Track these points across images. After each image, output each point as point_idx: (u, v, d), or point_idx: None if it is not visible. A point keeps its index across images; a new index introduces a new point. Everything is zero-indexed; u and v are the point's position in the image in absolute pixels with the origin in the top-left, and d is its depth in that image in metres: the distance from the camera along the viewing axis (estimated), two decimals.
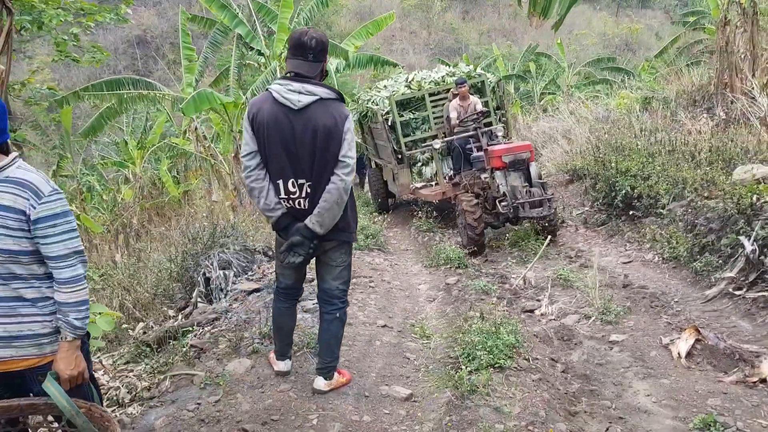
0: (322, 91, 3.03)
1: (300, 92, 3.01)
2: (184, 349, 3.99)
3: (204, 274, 5.70)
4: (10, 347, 2.05)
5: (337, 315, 3.39)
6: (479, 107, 8.86)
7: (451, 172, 9.26)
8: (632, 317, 4.71)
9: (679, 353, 3.90)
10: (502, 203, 7.03)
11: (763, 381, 3.45)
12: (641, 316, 4.73)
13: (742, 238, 5.00)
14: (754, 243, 4.85)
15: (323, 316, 3.43)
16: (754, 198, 5.23)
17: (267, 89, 3.14)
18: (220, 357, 3.88)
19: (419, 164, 10.07)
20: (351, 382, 3.60)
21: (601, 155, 8.49)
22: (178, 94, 12.31)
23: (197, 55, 13.13)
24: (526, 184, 7.15)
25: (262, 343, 4.06)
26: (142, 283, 6.09)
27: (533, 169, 7.24)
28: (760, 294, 4.51)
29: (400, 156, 9.76)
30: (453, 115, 8.93)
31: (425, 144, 9.12)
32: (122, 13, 9.58)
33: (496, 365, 3.62)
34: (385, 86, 10.98)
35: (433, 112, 9.96)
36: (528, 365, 3.77)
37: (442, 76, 10.39)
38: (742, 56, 10.35)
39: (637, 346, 4.18)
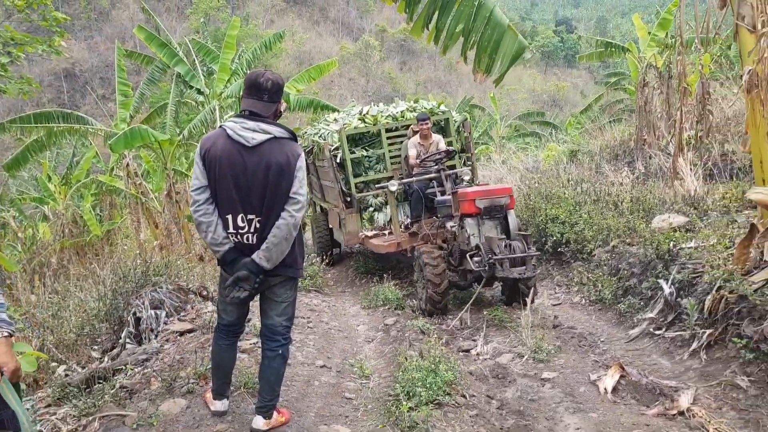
0: (276, 130, 3.12)
1: (254, 130, 3.09)
2: (114, 390, 3.85)
3: (134, 313, 5.52)
4: None
5: (280, 352, 3.38)
6: (442, 147, 7.89)
7: (408, 219, 8.02)
8: (562, 356, 4.91)
9: (605, 389, 4.10)
10: (475, 259, 5.83)
11: (681, 413, 3.69)
12: (570, 355, 4.94)
13: (661, 281, 5.36)
14: (672, 286, 5.21)
15: (265, 353, 3.41)
16: (671, 245, 5.64)
17: (221, 126, 3.20)
18: (152, 397, 3.76)
19: (371, 209, 8.66)
20: (290, 422, 3.56)
21: (531, 203, 8.90)
22: (111, 129, 12.04)
23: (132, 91, 12.96)
24: (503, 236, 6.03)
25: (198, 383, 3.96)
26: (65, 323, 5.82)
27: (512, 218, 6.08)
28: (677, 333, 4.83)
29: (348, 199, 8.56)
30: (412, 153, 7.94)
31: (379, 186, 7.96)
32: (56, 45, 9.40)
33: (435, 401, 3.69)
34: (335, 119, 9.74)
35: (390, 151, 8.71)
36: (465, 402, 3.86)
37: (401, 111, 9.19)
38: (659, 115, 11.25)
39: (567, 383, 4.36)
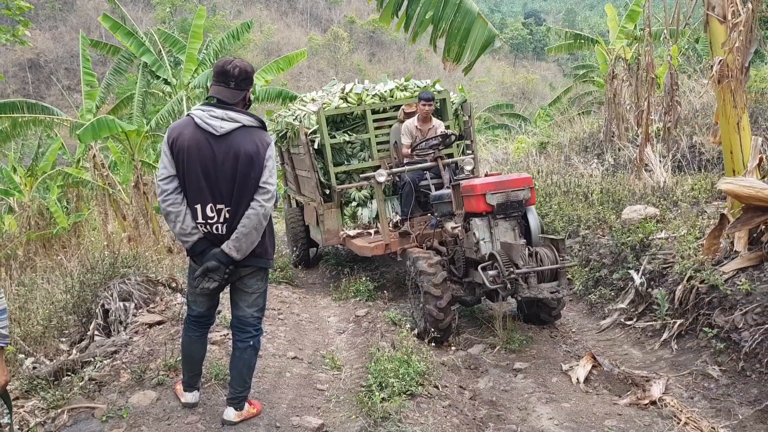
0: (244, 119, 3.06)
1: (222, 119, 3.02)
2: (82, 383, 3.75)
3: (102, 305, 5.40)
4: None
5: (251, 343, 3.33)
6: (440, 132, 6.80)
7: (398, 216, 6.91)
8: (534, 346, 4.94)
9: (578, 379, 4.14)
10: (489, 272, 4.50)
11: (653, 403, 3.74)
12: (542, 345, 4.97)
13: (631, 272, 5.42)
14: (642, 276, 5.27)
15: (236, 344, 3.35)
16: (642, 235, 5.71)
17: (188, 114, 3.12)
18: (122, 390, 3.68)
19: (353, 204, 7.55)
20: (261, 413, 3.52)
21: None
22: (77, 120, 11.74)
23: (98, 82, 12.66)
24: (524, 240, 4.75)
25: (168, 375, 3.88)
26: (32, 315, 5.67)
27: (533, 217, 4.90)
28: (648, 324, 4.90)
29: (327, 191, 7.43)
30: (405, 141, 6.81)
31: (364, 176, 6.58)
32: (20, 34, 9.12)
33: (408, 392, 3.67)
34: (313, 99, 8.34)
35: (377, 136, 7.49)
36: (438, 392, 3.85)
37: (390, 90, 7.87)
38: (628, 107, 11.40)
39: (540, 373, 4.39)
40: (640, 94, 10.18)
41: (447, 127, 7.33)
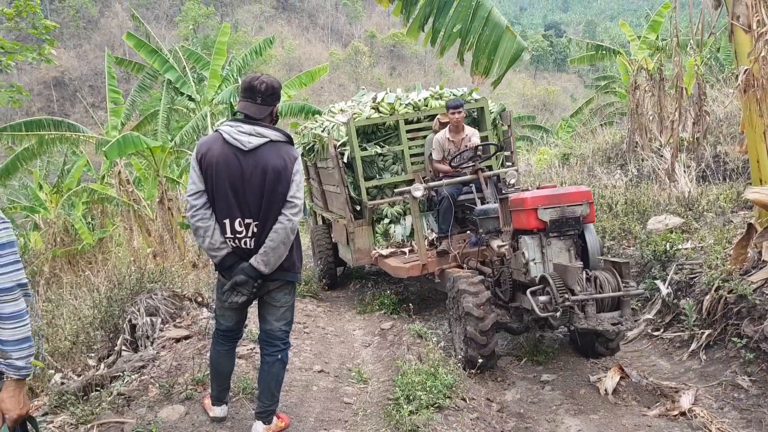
0: (272, 134, 3.10)
1: (251, 134, 3.07)
2: (111, 397, 3.80)
3: (129, 321, 5.47)
4: None
5: (279, 357, 3.35)
6: (476, 143, 6.29)
7: (434, 234, 6.47)
8: (561, 358, 4.90)
9: (606, 390, 4.09)
10: (540, 298, 4.03)
11: (683, 414, 3.69)
12: (569, 357, 4.92)
13: (658, 282, 5.36)
14: (669, 287, 5.21)
15: (264, 358, 3.37)
16: (668, 246, 5.65)
17: (216, 130, 3.17)
18: (151, 404, 3.71)
19: (386, 221, 7.10)
20: (289, 427, 3.53)
21: None
22: (103, 137, 11.98)
23: (123, 99, 12.92)
24: (580, 262, 4.28)
25: (196, 390, 3.92)
26: (60, 331, 5.77)
27: (591, 235, 4.38)
28: (676, 334, 4.84)
29: (358, 208, 7.03)
30: (437, 155, 6.45)
31: (399, 191, 6.04)
32: (46, 53, 9.35)
33: (435, 405, 3.66)
34: (341, 110, 8.00)
35: (410, 148, 7.07)
36: (465, 405, 3.84)
37: (424, 99, 7.38)
38: (651, 118, 11.32)
39: (567, 385, 4.35)
40: (663, 105, 10.13)
41: (485, 138, 6.97)
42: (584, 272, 4.05)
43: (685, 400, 3.79)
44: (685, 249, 5.58)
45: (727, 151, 8.76)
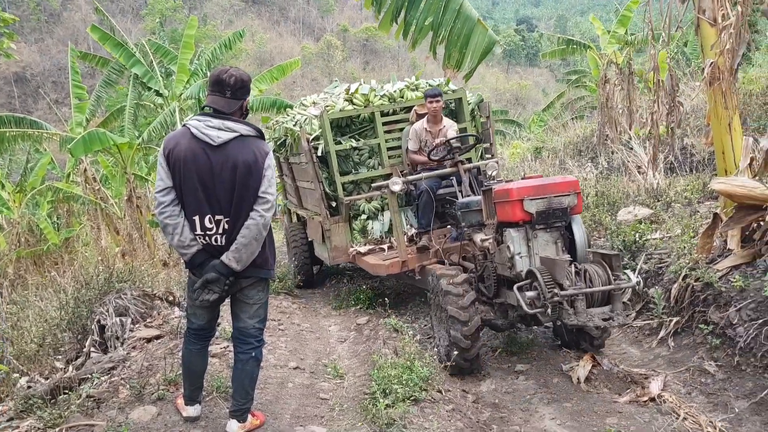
0: (242, 128, 3.05)
1: (220, 128, 3.01)
2: (80, 400, 3.72)
3: (98, 321, 5.36)
4: None
5: (253, 354, 3.31)
6: (453, 134, 6.07)
7: (414, 230, 6.31)
8: (534, 348, 4.95)
9: (578, 378, 4.15)
10: (528, 294, 3.85)
11: (653, 400, 3.78)
12: (542, 347, 4.98)
13: (628, 271, 5.43)
14: (639, 276, 5.29)
15: (238, 356, 3.33)
16: (637, 236, 5.74)
17: (184, 124, 3.11)
18: (122, 406, 3.64)
19: (363, 217, 6.91)
20: (265, 425, 3.50)
21: None
22: (67, 134, 11.70)
23: (88, 94, 12.64)
24: (568, 255, 4.08)
25: (168, 390, 3.86)
26: (25, 333, 5.62)
27: (579, 227, 4.21)
28: (646, 322, 4.93)
29: (334, 204, 6.82)
30: (411, 146, 6.28)
31: (376, 185, 5.87)
32: (5, 47, 9.08)
33: (412, 398, 3.67)
34: (314, 102, 7.72)
35: (387, 141, 6.85)
36: (441, 397, 3.86)
37: (400, 90, 7.14)
38: (620, 111, 11.51)
39: (541, 375, 4.40)
40: (633, 98, 10.31)
41: (464, 130, 6.77)
42: (573, 265, 3.89)
43: (655, 386, 3.87)
44: (654, 239, 5.69)
45: (694, 143, 8.96)
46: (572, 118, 16.94)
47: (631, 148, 8.91)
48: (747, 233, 4.58)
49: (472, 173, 5.77)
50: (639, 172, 7.98)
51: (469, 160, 6.58)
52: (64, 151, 11.73)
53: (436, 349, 4.83)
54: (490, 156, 6.86)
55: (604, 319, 3.75)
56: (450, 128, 6.22)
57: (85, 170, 12.42)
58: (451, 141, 5.77)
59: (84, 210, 14.12)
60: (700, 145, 8.39)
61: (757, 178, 4.44)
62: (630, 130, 10.88)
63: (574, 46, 14.42)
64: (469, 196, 5.38)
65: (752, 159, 4.59)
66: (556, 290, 3.69)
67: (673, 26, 5.17)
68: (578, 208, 4.16)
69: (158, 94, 12.69)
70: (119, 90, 15.46)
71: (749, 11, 4.63)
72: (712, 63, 4.59)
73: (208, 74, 12.06)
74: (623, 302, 3.85)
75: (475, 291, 4.55)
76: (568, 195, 4.06)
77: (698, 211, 6.11)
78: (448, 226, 5.98)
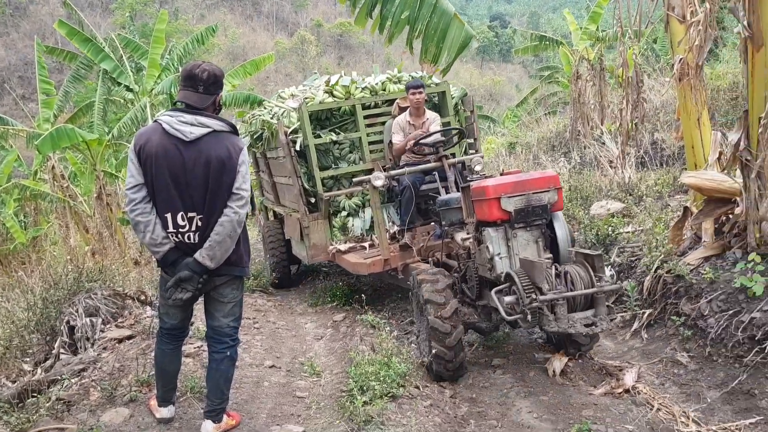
0: (215, 124, 3.00)
1: (192, 124, 2.96)
2: (49, 403, 3.63)
3: (68, 322, 5.24)
4: None
5: (228, 354, 3.27)
6: (436, 127, 5.91)
7: (396, 227, 6.06)
8: (511, 342, 4.98)
9: (554, 371, 4.18)
10: (506, 299, 3.64)
11: (627, 391, 3.82)
12: (518, 341, 5.02)
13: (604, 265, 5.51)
14: (612, 269, 5.35)
15: (212, 356, 3.29)
16: (610, 230, 5.81)
17: (156, 120, 3.05)
18: (93, 408, 3.57)
19: (343, 214, 6.71)
20: (241, 425, 3.46)
21: None
22: (34, 130, 11.42)
23: (56, 90, 12.35)
24: (550, 255, 3.92)
25: (141, 391, 3.79)
26: None
27: (561, 225, 3.99)
28: (619, 315, 4.99)
29: (313, 200, 6.56)
30: (397, 138, 5.95)
31: (358, 180, 5.64)
32: None
33: (389, 394, 3.66)
34: (292, 95, 7.41)
35: (368, 135, 6.64)
36: (419, 393, 3.86)
37: (382, 82, 6.94)
38: (592, 107, 11.66)
39: (517, 368, 4.42)
40: (605, 94, 10.44)
41: (447, 124, 6.57)
42: (554, 267, 3.69)
43: (629, 378, 3.92)
44: (627, 232, 5.77)
45: (664, 138, 9.10)
46: (545, 114, 17.12)
47: (603, 143, 9.03)
48: (716, 226, 4.67)
49: (456, 168, 5.58)
50: (611, 166, 8.09)
51: (453, 155, 6.42)
52: (31, 148, 11.46)
53: (415, 347, 4.74)
54: (474, 151, 6.66)
55: (587, 325, 3.51)
56: (434, 121, 6.05)
57: (53, 167, 12.12)
58: (436, 134, 5.58)
59: (52, 208, 13.80)
60: (670, 139, 8.53)
61: (725, 171, 4.53)
62: (602, 125, 11.03)
63: (547, 43, 14.56)
64: (451, 192, 5.22)
65: (721, 153, 4.68)
66: (534, 295, 3.45)
67: (644, 23, 5.25)
68: (559, 205, 3.96)
69: (128, 89, 12.45)
70: (88, 85, 15.17)
71: (717, 8, 4.71)
72: (681, 59, 4.66)
73: (180, 69, 11.90)
74: (607, 306, 3.58)
75: (459, 292, 4.44)
76: (548, 191, 3.86)
77: (669, 205, 6.21)
78: (432, 224, 5.74)
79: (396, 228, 6.01)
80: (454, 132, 5.99)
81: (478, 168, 5.59)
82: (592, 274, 3.62)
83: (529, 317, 3.47)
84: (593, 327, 3.53)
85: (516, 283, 3.54)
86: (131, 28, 15.87)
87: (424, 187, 5.74)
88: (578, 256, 3.82)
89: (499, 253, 3.88)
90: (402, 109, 6.33)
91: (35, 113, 12.45)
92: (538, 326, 3.63)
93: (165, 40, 12.51)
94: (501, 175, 4.26)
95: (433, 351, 4.05)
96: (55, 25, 12.19)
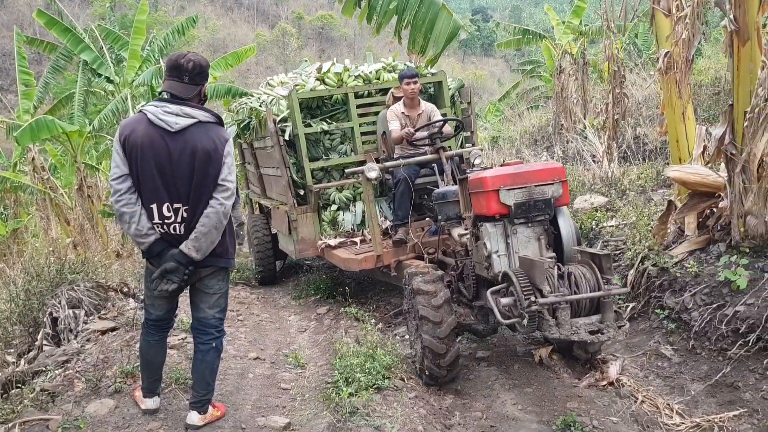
0: (201, 114, 2.98)
1: (178, 114, 2.93)
2: (33, 394, 3.59)
3: (50, 314, 5.19)
4: None
5: (213, 345, 3.26)
6: (437, 116, 5.63)
7: (389, 222, 5.83)
8: (495, 335, 5.00)
9: (540, 357, 4.21)
10: (503, 301, 3.34)
11: (611, 384, 3.86)
12: (502, 334, 5.04)
13: None
14: None
15: (198, 347, 3.27)
16: (594, 224, 5.87)
17: (140, 110, 3.01)
18: (77, 399, 3.54)
19: (333, 208, 6.47)
20: (226, 415, 3.45)
21: None
22: (14, 121, 11.23)
23: (35, 81, 12.14)
24: (553, 254, 3.57)
25: (126, 382, 3.76)
26: None
27: (566, 221, 3.65)
28: None
29: (302, 192, 6.30)
30: (393, 126, 5.52)
31: (350, 171, 5.43)
32: None
33: (375, 386, 3.67)
34: (282, 82, 7.16)
35: (361, 125, 6.39)
36: (404, 384, 3.87)
37: (376, 71, 6.69)
38: (575, 101, 11.74)
39: (502, 361, 4.45)
40: (587, 88, 10.52)
41: (444, 116, 6.13)
42: (557, 267, 3.37)
43: (613, 371, 3.96)
44: (610, 226, 5.82)
45: (647, 133, 9.19)
46: (528, 108, 17.19)
47: (586, 138, 9.10)
48: (700, 220, 4.73)
49: (454, 161, 5.26)
50: (594, 161, 8.15)
51: (450, 148, 6.05)
52: (11, 140, 11.26)
53: (399, 338, 4.71)
54: (471, 144, 6.44)
55: (592, 332, 3.17)
56: (431, 111, 5.75)
57: (33, 159, 11.95)
58: (434, 125, 5.32)
59: (32, 200, 13.62)
60: (653, 134, 8.62)
61: (709, 165, 4.59)
62: (584, 119, 11.12)
63: (530, 37, 14.59)
64: (448, 185, 4.96)
65: (705, 147, 4.73)
66: (533, 297, 3.14)
67: (629, 17, 5.28)
68: (564, 199, 3.61)
69: (109, 80, 12.27)
70: (68, 76, 14.91)
71: (702, 2, 4.76)
72: (667, 53, 4.70)
73: (161, 60, 11.76)
74: (611, 312, 3.26)
75: (455, 291, 4.24)
76: (552, 184, 3.51)
77: (652, 199, 6.28)
78: (427, 219, 5.53)
79: (389, 223, 5.77)
80: (455, 123, 5.73)
81: (477, 161, 5.36)
82: (598, 275, 3.28)
83: (526, 321, 3.21)
84: (599, 334, 3.19)
85: (514, 283, 3.24)
86: (111, 19, 15.61)
87: (419, 180, 5.50)
88: (584, 255, 3.51)
89: (497, 251, 3.59)
90: (396, 99, 6.02)
91: (15, 104, 12.24)
92: (539, 331, 3.33)
93: (146, 31, 12.33)
94: (502, 165, 3.92)
95: (424, 343, 3.84)
96: (34, 15, 11.97)
